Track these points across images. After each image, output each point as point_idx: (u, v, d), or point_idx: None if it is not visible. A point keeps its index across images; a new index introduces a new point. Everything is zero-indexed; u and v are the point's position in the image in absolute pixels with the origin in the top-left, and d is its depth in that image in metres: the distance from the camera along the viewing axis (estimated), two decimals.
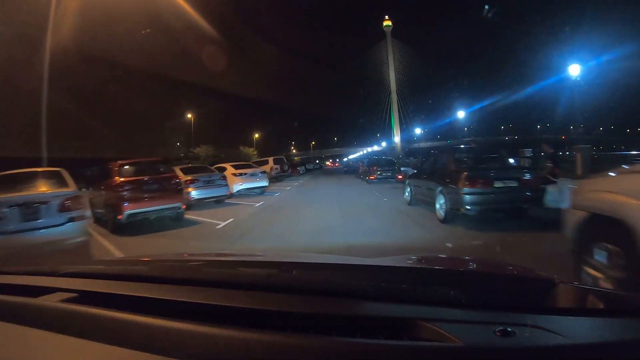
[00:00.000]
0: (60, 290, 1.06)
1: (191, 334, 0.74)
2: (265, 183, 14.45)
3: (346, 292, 0.92)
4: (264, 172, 14.83)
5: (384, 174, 17.18)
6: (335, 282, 1.01)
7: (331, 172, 39.72)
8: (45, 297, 1.02)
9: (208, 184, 11.61)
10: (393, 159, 20.37)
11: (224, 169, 14.52)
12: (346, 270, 1.19)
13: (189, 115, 46.81)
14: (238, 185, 13.84)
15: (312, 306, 0.86)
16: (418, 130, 61.84)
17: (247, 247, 5.84)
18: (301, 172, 33.44)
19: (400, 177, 17.45)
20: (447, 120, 65.33)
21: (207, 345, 0.72)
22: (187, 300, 0.92)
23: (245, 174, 14.02)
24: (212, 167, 15.31)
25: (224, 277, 1.09)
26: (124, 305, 0.91)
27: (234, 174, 13.99)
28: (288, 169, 23.61)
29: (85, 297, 1.00)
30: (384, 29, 76.86)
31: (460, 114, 56.20)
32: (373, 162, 18.87)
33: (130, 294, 1.00)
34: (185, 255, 1.92)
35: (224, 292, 0.96)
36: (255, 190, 14.33)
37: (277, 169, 22.69)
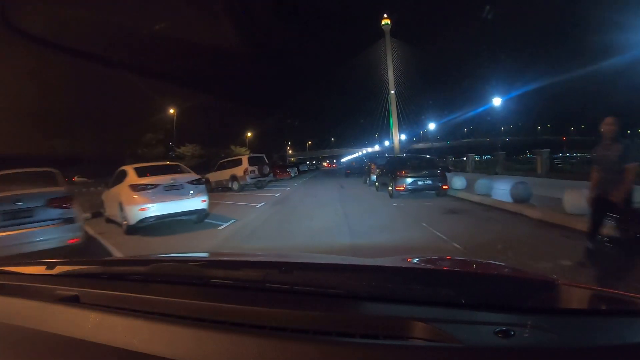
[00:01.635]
0: (60, 290, 1.01)
1: (191, 334, 0.71)
2: (199, 204, 6.74)
3: (346, 292, 0.87)
4: (200, 180, 7.03)
5: (420, 182, 9.51)
6: (335, 283, 0.93)
7: (330, 175, 31.83)
8: (45, 297, 0.97)
9: (16, 217, 4.10)
10: (434, 158, 12.74)
11: (124, 174, 6.95)
12: (346, 270, 1.09)
13: (171, 111, 39.15)
14: (138, 212, 6.26)
15: (312, 306, 0.80)
16: (432, 125, 54.68)
17: (248, 246, 5.17)
18: (292, 174, 25.74)
19: (445, 187, 9.88)
20: (446, 120, 59.58)
21: (207, 345, 0.68)
22: (187, 301, 0.88)
23: (155, 185, 6.39)
24: (118, 170, 7.72)
25: (224, 278, 1.02)
26: (123, 305, 0.88)
27: (135, 187, 6.42)
28: (269, 172, 15.94)
29: (85, 297, 0.96)
30: (383, 27, 72.67)
31: (460, 115, 50.70)
32: (400, 162, 11.07)
33: (130, 294, 0.94)
34: (186, 255, 1.81)
35: (224, 293, 0.93)
36: (183, 216, 6.75)
37: (253, 172, 15.08)
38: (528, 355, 0.60)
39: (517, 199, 7.58)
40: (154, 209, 6.32)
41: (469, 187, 10.41)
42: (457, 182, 10.80)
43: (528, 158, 24.02)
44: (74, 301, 0.94)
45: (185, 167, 7.46)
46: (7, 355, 0.75)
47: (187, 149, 44.39)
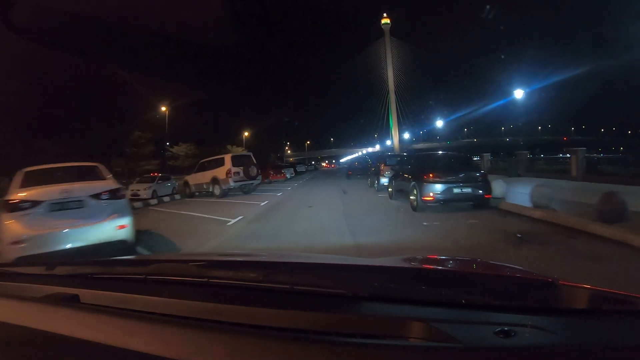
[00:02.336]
0: (60, 290, 0.98)
1: (191, 334, 0.68)
2: (112, 233, 3.92)
3: (346, 292, 0.83)
4: (117, 192, 4.22)
5: (456, 189, 6.71)
6: (335, 283, 0.89)
7: (329, 176, 28.99)
8: (45, 297, 0.94)
9: None
10: (470, 157, 9.97)
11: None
12: (346, 270, 1.06)
13: (163, 109, 36.48)
14: (11, 249, 3.39)
15: (312, 307, 0.78)
16: (440, 123, 51.55)
17: (247, 247, 4.81)
18: (288, 176, 22.91)
19: (488, 196, 7.14)
20: (447, 120, 57.69)
21: (206, 345, 0.65)
22: (187, 301, 0.86)
23: (35, 203, 3.61)
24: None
25: (224, 278, 0.99)
26: (123, 305, 0.87)
27: (8, 205, 3.67)
28: (257, 174, 13.10)
29: (85, 297, 0.94)
30: (382, 26, 70.43)
31: (460, 115, 48.49)
32: (428, 162, 8.12)
33: (130, 294, 0.93)
34: (186, 255, 1.72)
35: (224, 293, 0.91)
36: (89, 251, 4.02)
37: (237, 173, 12.30)
38: (528, 355, 0.59)
39: (608, 218, 4.92)
40: (34, 243, 3.58)
41: (509, 194, 7.73)
42: (497, 188, 8.04)
43: (556, 158, 21.48)
44: (74, 301, 0.91)
45: (103, 169, 4.57)
46: (6, 356, 0.71)
47: (181, 148, 41.72)
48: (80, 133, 32.55)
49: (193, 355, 0.63)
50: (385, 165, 11.44)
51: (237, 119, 55.77)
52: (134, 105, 38.08)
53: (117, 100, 36.38)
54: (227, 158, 12.55)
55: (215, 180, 12.45)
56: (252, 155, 13.29)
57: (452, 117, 58.52)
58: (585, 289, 0.81)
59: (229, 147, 47.76)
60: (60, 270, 1.19)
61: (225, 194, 12.27)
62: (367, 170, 19.28)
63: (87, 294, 0.94)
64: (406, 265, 1.17)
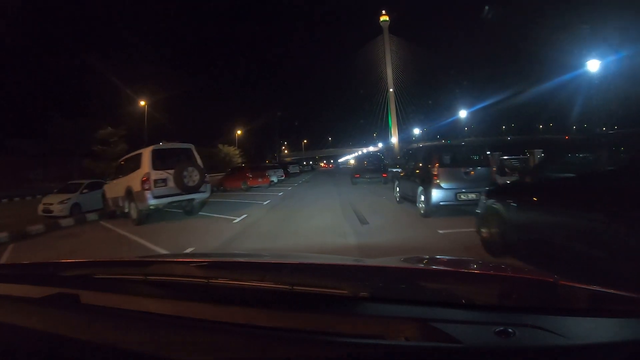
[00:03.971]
0: (60, 290, 0.94)
1: (191, 334, 0.67)
2: None
3: (346, 292, 0.80)
4: None
5: None
6: (335, 283, 0.85)
7: (328, 179, 23.02)
8: (46, 297, 0.90)
9: None
10: None
11: None
12: (346, 271, 1.01)
13: (142, 103, 30.99)
14: None
15: (312, 307, 0.76)
16: (463, 113, 45.68)
17: (247, 247, 4.63)
18: (275, 180, 17.08)
19: None
20: (448, 120, 53.33)
21: (206, 345, 0.64)
22: (187, 301, 0.84)
23: None
24: None
25: (224, 278, 0.96)
26: (123, 305, 0.85)
27: None
28: (202, 181, 7.18)
29: (85, 297, 0.90)
30: (381, 24, 65.49)
31: (462, 114, 43.69)
32: None
33: (130, 294, 0.91)
34: (186, 256, 1.70)
35: (224, 293, 0.88)
36: None
37: (161, 182, 6.65)
38: (528, 355, 0.57)
39: None
40: None
41: None
42: None
43: None
44: (74, 301, 0.88)
45: None
46: (7, 356, 0.68)
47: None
48: (41, 129, 27.03)
49: (193, 355, 0.61)
50: (442, 165, 5.64)
51: (231, 117, 50.61)
52: (108, 99, 32.50)
53: (87, 93, 30.86)
54: (146, 155, 6.80)
55: (129, 194, 6.80)
56: (193, 149, 7.59)
57: (456, 116, 53.71)
58: (585, 289, 0.76)
59: (220, 146, 42.11)
60: (60, 270, 1.15)
61: (144, 218, 6.61)
62: (380, 171, 13.63)
63: (87, 295, 0.91)
64: (406, 265, 1.13)
